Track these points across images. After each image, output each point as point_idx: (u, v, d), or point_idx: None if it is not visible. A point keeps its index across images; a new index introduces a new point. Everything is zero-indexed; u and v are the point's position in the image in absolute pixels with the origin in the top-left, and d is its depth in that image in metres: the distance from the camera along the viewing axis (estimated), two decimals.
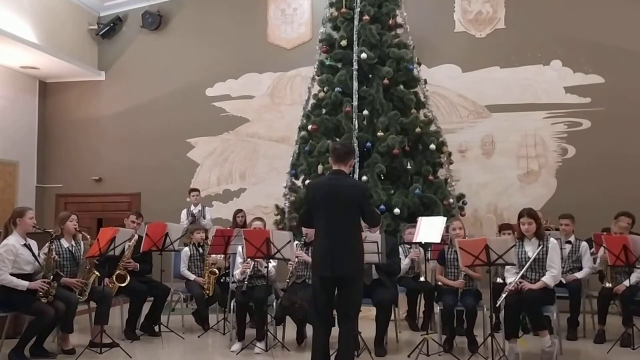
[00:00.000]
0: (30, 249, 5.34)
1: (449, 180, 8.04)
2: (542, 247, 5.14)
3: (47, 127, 11.30)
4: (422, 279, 6.02)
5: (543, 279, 5.10)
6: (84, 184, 11.05)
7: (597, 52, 9.22)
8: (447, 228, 5.77)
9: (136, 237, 6.27)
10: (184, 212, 8.95)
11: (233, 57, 10.59)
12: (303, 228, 5.83)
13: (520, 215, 5.31)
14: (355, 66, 7.79)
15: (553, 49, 9.41)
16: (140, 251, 6.29)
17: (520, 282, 5.07)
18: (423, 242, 5.63)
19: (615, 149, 8.97)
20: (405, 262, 6.46)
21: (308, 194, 4.77)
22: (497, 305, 5.08)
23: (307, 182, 7.80)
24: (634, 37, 9.12)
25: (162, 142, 10.67)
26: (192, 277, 6.74)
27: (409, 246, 6.62)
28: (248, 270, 5.79)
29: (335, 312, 4.57)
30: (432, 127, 8.07)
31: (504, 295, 5.03)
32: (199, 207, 8.97)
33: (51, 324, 5.26)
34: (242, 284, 5.78)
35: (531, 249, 5.18)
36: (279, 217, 8.23)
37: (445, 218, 5.93)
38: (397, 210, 7.18)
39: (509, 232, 6.30)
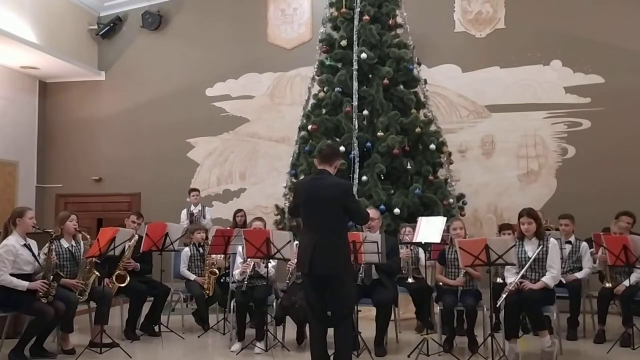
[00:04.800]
0: (30, 249, 5.34)
1: (449, 180, 8.04)
2: (542, 247, 5.14)
3: (47, 127, 11.30)
4: (410, 280, 6.00)
5: (543, 279, 5.11)
6: (84, 184, 11.05)
7: (597, 52, 9.22)
8: (447, 228, 5.77)
9: (136, 237, 6.27)
10: (184, 212, 8.96)
11: (233, 57, 10.59)
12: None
13: (520, 215, 5.32)
14: (355, 66, 7.78)
15: (553, 49, 9.41)
16: (140, 251, 6.29)
17: (522, 282, 5.08)
18: (423, 242, 5.64)
19: (615, 149, 8.97)
20: None
21: (294, 194, 4.89)
22: (497, 305, 5.08)
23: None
24: (634, 37, 9.12)
25: (162, 142, 10.66)
26: (192, 277, 6.74)
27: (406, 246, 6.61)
28: (248, 270, 5.80)
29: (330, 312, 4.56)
30: (432, 127, 8.07)
31: (504, 295, 5.03)
32: (199, 207, 8.99)
33: (51, 324, 5.27)
34: (242, 284, 5.79)
35: (531, 249, 5.19)
36: (279, 217, 8.23)
37: (445, 218, 5.93)
38: (397, 210, 7.17)
39: (509, 232, 6.30)
